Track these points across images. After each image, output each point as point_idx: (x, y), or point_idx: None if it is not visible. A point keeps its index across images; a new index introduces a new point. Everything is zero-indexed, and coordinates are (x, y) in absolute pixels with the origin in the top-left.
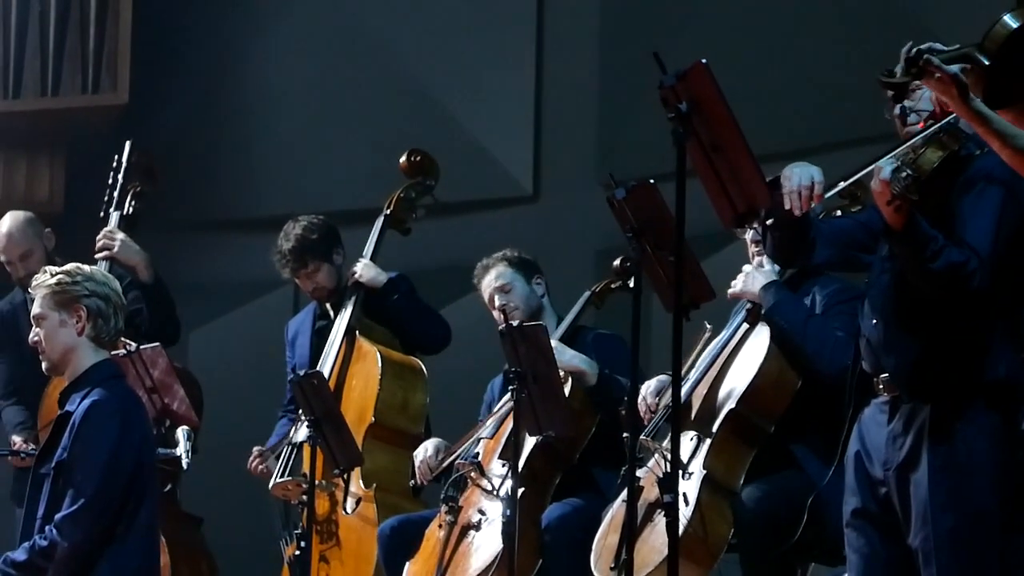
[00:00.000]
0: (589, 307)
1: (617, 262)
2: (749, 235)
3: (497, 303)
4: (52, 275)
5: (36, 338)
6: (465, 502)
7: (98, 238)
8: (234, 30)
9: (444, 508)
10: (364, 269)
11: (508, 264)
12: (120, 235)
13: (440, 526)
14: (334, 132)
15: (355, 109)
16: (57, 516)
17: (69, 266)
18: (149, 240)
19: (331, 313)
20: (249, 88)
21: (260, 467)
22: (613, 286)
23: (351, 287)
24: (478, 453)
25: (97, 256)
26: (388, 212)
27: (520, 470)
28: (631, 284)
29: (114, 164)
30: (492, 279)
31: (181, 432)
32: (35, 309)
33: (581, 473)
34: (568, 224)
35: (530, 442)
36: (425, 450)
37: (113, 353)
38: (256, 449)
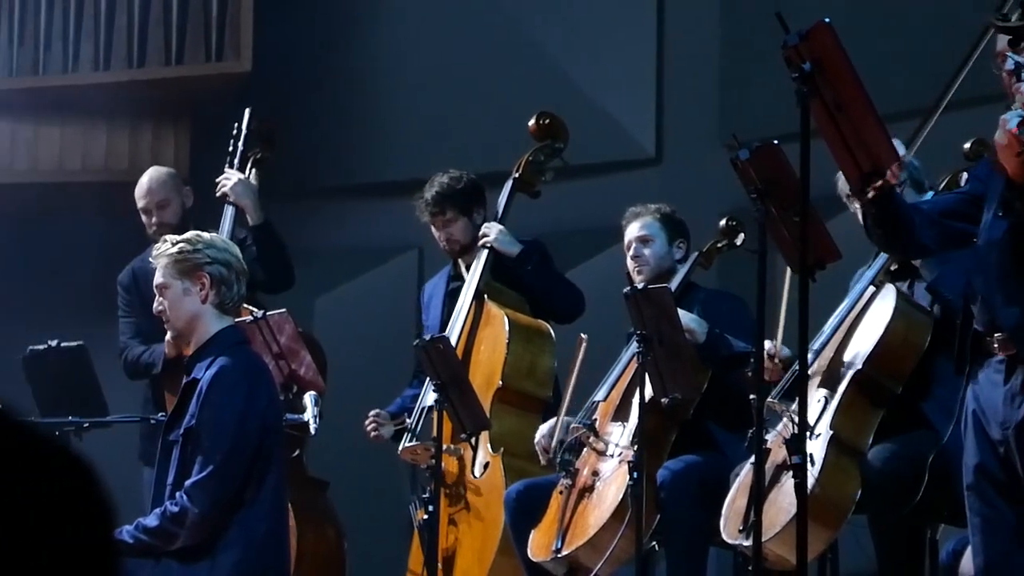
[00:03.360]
0: (698, 267)
1: (723, 222)
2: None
3: (632, 252)
4: (173, 244)
5: (160, 307)
6: (581, 465)
7: (217, 182)
8: None
9: (562, 473)
10: (498, 235)
11: (657, 218)
12: (237, 174)
13: (560, 492)
14: (457, 97)
15: (478, 73)
16: (187, 482)
17: (189, 234)
18: (275, 207)
19: (465, 274)
20: (372, 53)
21: (374, 432)
22: (719, 246)
23: (480, 248)
24: (594, 417)
25: (218, 194)
26: (517, 175)
27: (636, 430)
28: (737, 243)
29: (234, 131)
30: (637, 227)
31: (308, 397)
32: (157, 279)
33: (696, 430)
34: (691, 186)
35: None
36: (540, 431)
37: (239, 320)
38: (373, 413)
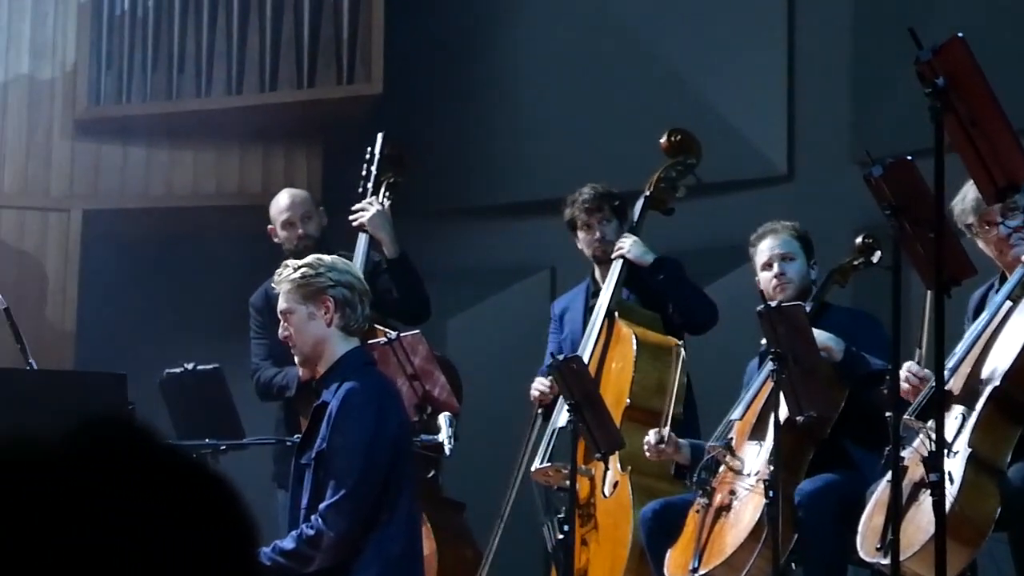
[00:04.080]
0: (833, 285)
1: (859, 239)
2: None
3: (775, 269)
4: (295, 269)
5: (286, 333)
6: (718, 484)
7: (352, 211)
8: (485, 16)
9: (698, 492)
10: (632, 246)
11: (796, 236)
12: (375, 206)
13: (696, 511)
14: (588, 115)
15: (609, 92)
16: (321, 506)
17: (310, 258)
18: (406, 228)
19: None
20: (502, 74)
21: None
22: (855, 264)
23: (614, 259)
24: (731, 436)
25: (354, 224)
26: (649, 193)
27: (773, 449)
28: (874, 261)
29: (367, 156)
30: (778, 244)
31: (443, 418)
32: (281, 304)
33: (833, 448)
34: (823, 203)
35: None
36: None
37: (373, 341)
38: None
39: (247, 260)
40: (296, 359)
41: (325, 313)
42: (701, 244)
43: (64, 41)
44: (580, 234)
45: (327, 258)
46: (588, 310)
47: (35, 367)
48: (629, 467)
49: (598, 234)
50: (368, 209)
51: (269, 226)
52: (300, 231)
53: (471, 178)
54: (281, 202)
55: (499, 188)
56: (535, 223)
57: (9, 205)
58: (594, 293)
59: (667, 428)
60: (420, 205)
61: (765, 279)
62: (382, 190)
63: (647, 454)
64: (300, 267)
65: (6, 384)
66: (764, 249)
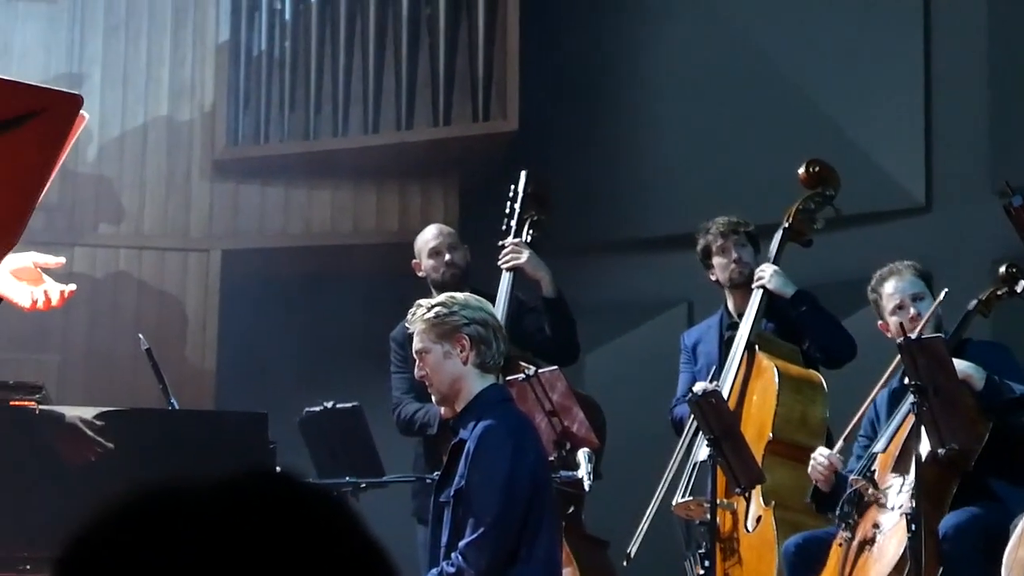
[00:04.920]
0: (975, 316)
1: (1003, 269)
2: None
3: (911, 311)
4: (428, 308)
5: (422, 373)
6: (862, 518)
7: (504, 251)
8: (619, 50)
9: (841, 525)
10: (773, 276)
11: (920, 275)
12: (527, 249)
13: (839, 544)
14: (725, 147)
15: (744, 124)
16: (461, 543)
17: (442, 297)
18: (544, 263)
19: (738, 321)
20: (638, 107)
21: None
22: (999, 293)
23: (754, 289)
24: (873, 469)
25: (504, 266)
26: (788, 224)
27: (917, 482)
28: (1018, 290)
29: (510, 194)
30: (906, 285)
31: (582, 454)
32: (417, 344)
33: (977, 481)
34: (962, 233)
35: (923, 454)
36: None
37: (511, 377)
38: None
39: (385, 297)
40: (434, 398)
41: (461, 351)
42: (841, 275)
43: (202, 83)
44: (716, 259)
45: (460, 296)
46: (723, 342)
47: (177, 407)
48: (772, 501)
49: (735, 255)
50: (521, 251)
51: (413, 260)
52: (447, 258)
53: (607, 213)
54: (427, 233)
55: (635, 222)
56: (672, 257)
57: (150, 246)
58: (728, 325)
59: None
60: (555, 240)
61: (895, 322)
62: (525, 228)
63: (819, 473)
64: (433, 306)
65: (149, 424)
66: (892, 292)
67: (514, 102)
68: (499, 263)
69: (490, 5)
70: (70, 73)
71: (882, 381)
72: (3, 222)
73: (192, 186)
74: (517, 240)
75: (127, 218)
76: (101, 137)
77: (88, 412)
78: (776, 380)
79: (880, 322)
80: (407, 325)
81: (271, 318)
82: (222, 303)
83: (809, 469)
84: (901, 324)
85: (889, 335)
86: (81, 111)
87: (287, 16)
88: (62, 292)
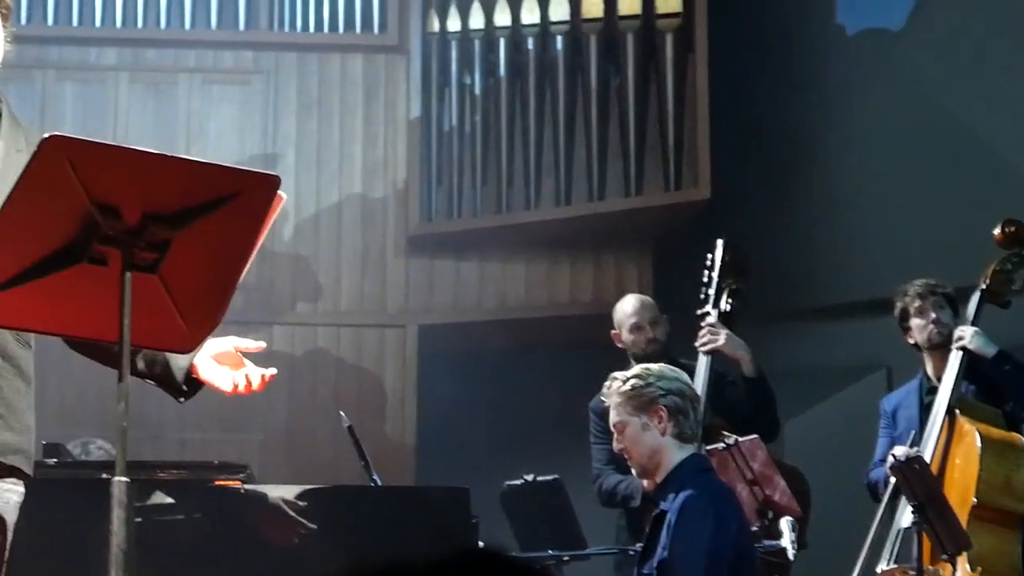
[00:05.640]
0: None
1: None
2: None
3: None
4: (624, 380)
5: (621, 445)
6: None
7: (701, 332)
8: (809, 116)
9: None
10: (973, 336)
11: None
12: (724, 329)
13: None
14: (917, 210)
15: (938, 186)
16: None
17: (637, 368)
18: (739, 330)
19: (937, 384)
20: (830, 172)
21: None
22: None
23: (955, 349)
24: None
25: (702, 349)
26: (985, 286)
27: None
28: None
29: (707, 263)
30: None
31: (785, 523)
32: (613, 417)
33: None
34: None
35: None
36: None
37: (711, 447)
38: None
39: (582, 368)
40: (634, 471)
41: (659, 423)
42: None
43: (395, 159)
44: (913, 321)
45: (655, 367)
46: (923, 406)
47: (379, 483)
48: (979, 567)
49: (933, 315)
50: (719, 333)
51: (613, 331)
52: (649, 335)
53: (803, 278)
54: (628, 306)
55: (832, 288)
56: (869, 322)
57: (347, 323)
58: (928, 389)
59: None
60: (753, 307)
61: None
62: (723, 297)
63: None
64: (629, 378)
65: (351, 502)
66: None
67: (705, 170)
68: (697, 345)
69: (679, 73)
70: (264, 153)
71: None
72: (206, 303)
73: (387, 262)
74: (714, 321)
75: (324, 296)
76: (297, 216)
77: (291, 491)
78: (978, 444)
79: None
80: (603, 398)
81: (469, 392)
82: (420, 378)
83: None
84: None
85: None
86: (278, 191)
87: (477, 91)
88: (263, 376)
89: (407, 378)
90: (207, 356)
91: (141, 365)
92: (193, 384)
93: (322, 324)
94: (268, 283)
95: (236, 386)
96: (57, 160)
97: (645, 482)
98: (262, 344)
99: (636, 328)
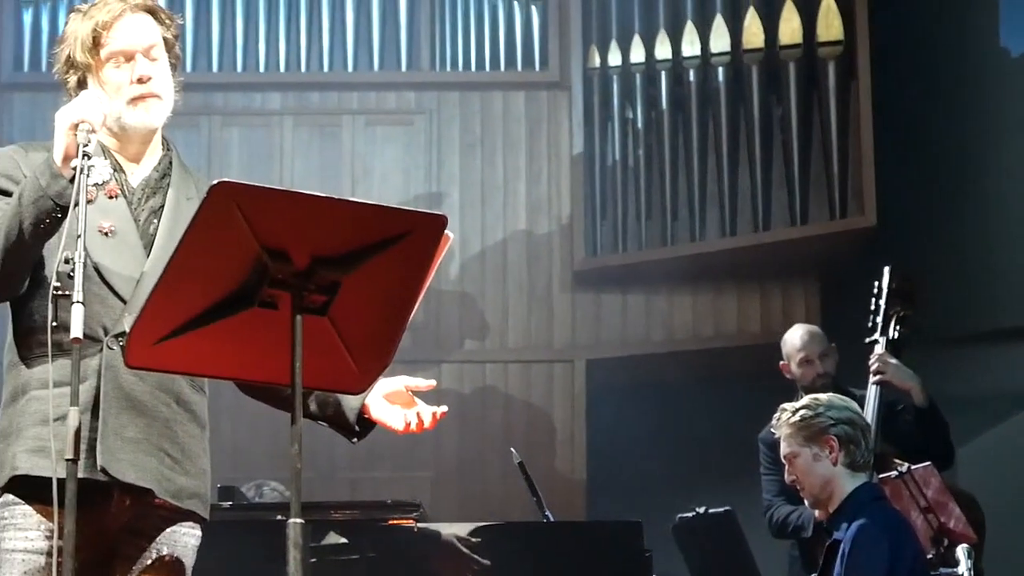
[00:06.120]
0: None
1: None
2: None
3: None
4: (793, 412)
5: (792, 477)
6: None
7: (871, 362)
8: (972, 141)
9: None
10: None
11: None
12: (892, 360)
13: None
14: None
15: None
16: None
17: (806, 399)
18: (908, 357)
19: None
20: (995, 195)
21: None
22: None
23: None
24: None
25: (872, 381)
26: None
27: None
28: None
29: (874, 291)
30: None
31: (961, 551)
32: (784, 449)
33: None
34: None
35: None
36: None
37: (883, 475)
38: None
39: (751, 399)
40: (806, 502)
41: (830, 453)
42: None
43: (559, 195)
44: None
45: (823, 397)
46: None
47: (551, 519)
48: None
49: None
50: (887, 364)
51: (781, 362)
52: (819, 369)
53: (974, 302)
54: (798, 339)
55: (1006, 311)
56: None
57: (515, 359)
58: None
59: None
60: (924, 333)
61: None
62: (892, 324)
63: None
64: (798, 409)
65: (524, 538)
66: None
67: (871, 197)
68: (870, 371)
69: (841, 101)
70: (429, 193)
71: None
72: (376, 343)
73: (553, 298)
74: (882, 351)
75: (491, 333)
76: (462, 254)
77: (463, 528)
78: None
79: None
80: (772, 430)
81: (637, 425)
82: (589, 412)
83: None
84: None
85: None
86: (445, 231)
87: (639, 124)
88: (434, 414)
89: (576, 413)
90: (379, 395)
91: (313, 407)
92: (366, 424)
93: (490, 361)
94: (435, 321)
95: (408, 425)
96: (226, 206)
97: (818, 512)
98: (432, 382)
99: (805, 362)
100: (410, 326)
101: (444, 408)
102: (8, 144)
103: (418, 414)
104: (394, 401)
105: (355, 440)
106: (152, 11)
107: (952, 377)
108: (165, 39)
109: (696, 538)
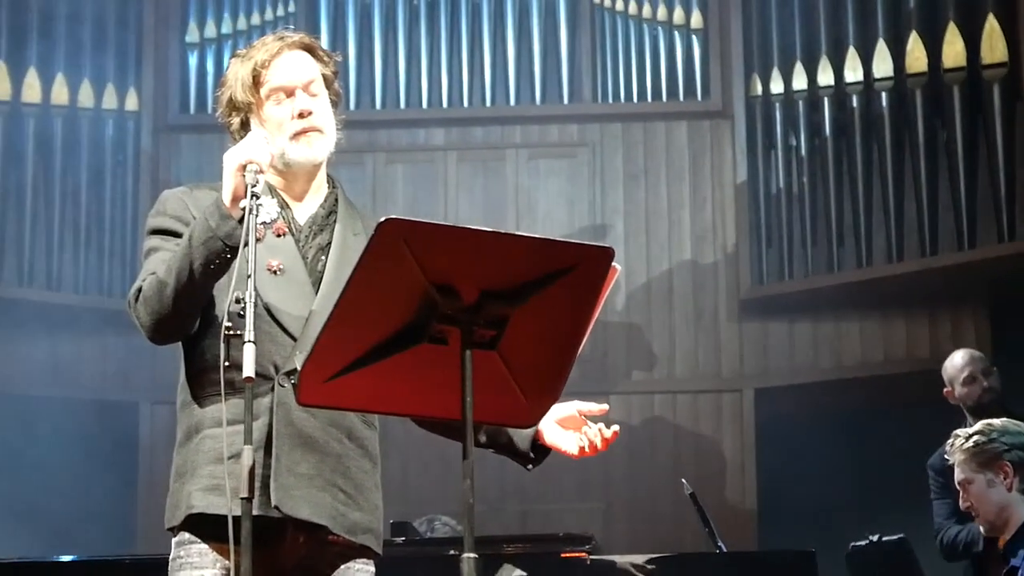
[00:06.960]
0: None
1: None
2: None
3: None
4: (967, 438)
5: (967, 503)
6: None
7: None
8: None
9: None
10: None
11: None
12: None
13: None
14: None
15: None
16: None
17: (979, 425)
18: None
19: None
20: None
21: None
22: None
23: None
24: None
25: None
26: None
27: None
28: None
29: None
30: None
31: None
32: (958, 475)
33: None
34: None
35: None
36: None
37: None
38: None
39: (922, 425)
40: (982, 528)
41: (1004, 478)
42: None
43: (724, 224)
44: None
45: (997, 422)
46: None
47: (724, 549)
48: None
49: None
50: None
51: (945, 389)
52: (984, 384)
53: None
54: (959, 360)
55: None
56: None
57: (683, 390)
58: None
59: None
60: None
61: None
62: None
63: None
64: (972, 435)
65: (699, 569)
66: None
67: None
68: None
69: (1007, 122)
70: (593, 225)
71: None
72: (546, 376)
73: (720, 327)
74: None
75: (659, 363)
76: (628, 285)
77: (637, 560)
78: None
79: None
80: (946, 457)
81: (809, 454)
82: (758, 442)
83: None
84: None
85: None
86: (613, 263)
87: (803, 152)
88: (603, 434)
89: (745, 442)
90: (551, 421)
91: (483, 439)
92: (540, 450)
93: (658, 392)
94: (602, 353)
95: (582, 448)
96: (394, 242)
97: (998, 539)
98: (605, 407)
99: (970, 380)
100: (578, 358)
101: (616, 427)
102: (176, 185)
103: (591, 436)
104: (567, 426)
105: (530, 467)
106: (310, 48)
107: None
108: (324, 75)
109: (870, 566)
